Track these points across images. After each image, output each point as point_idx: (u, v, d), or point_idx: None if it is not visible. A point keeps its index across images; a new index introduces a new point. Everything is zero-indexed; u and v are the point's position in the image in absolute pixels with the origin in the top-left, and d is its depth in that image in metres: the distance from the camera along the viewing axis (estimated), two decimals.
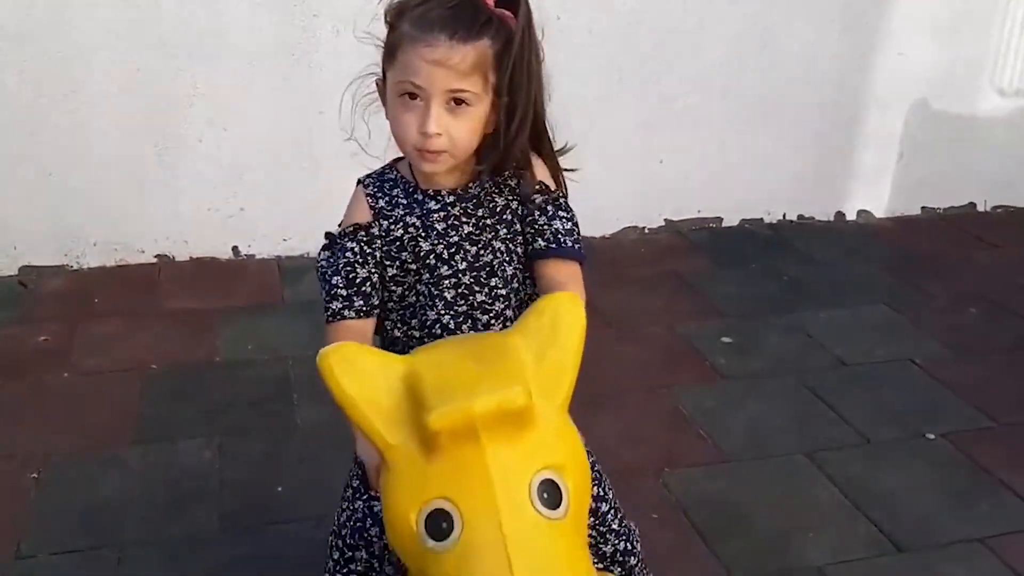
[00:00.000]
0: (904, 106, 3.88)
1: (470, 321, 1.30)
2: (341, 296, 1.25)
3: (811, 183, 3.90)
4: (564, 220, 1.31)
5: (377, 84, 1.28)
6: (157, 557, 1.98)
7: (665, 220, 3.80)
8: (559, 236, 1.29)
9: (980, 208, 4.13)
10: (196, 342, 2.85)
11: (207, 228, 3.36)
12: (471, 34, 1.16)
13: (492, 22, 1.18)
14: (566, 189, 1.36)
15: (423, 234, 1.28)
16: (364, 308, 1.26)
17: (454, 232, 1.28)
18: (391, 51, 1.20)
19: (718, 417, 2.53)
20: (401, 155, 1.30)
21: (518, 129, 1.22)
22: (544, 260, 1.30)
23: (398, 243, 1.28)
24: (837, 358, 2.86)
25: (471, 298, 1.29)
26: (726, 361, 2.82)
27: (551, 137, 1.32)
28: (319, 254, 1.31)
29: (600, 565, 1.41)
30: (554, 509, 0.95)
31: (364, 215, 1.29)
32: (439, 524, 0.93)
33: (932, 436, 2.47)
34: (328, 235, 1.31)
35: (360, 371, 0.99)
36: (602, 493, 1.43)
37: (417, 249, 1.28)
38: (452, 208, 1.28)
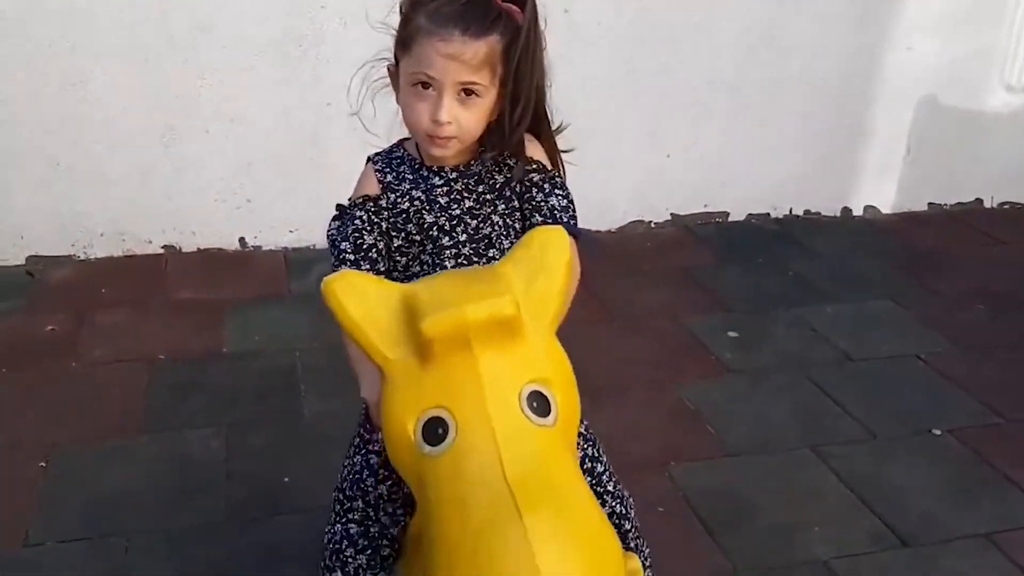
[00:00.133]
0: (912, 101, 3.87)
1: None
2: (349, 260, 1.32)
3: (818, 178, 3.89)
4: (560, 198, 1.37)
5: (389, 70, 1.35)
6: (164, 546, 1.99)
7: (671, 214, 3.80)
8: (555, 212, 1.36)
9: (987, 204, 4.12)
10: (203, 333, 2.85)
11: (214, 219, 3.37)
12: (483, 30, 1.23)
13: (501, 18, 1.24)
14: (563, 169, 1.44)
15: (427, 207, 1.35)
16: (370, 272, 1.31)
17: (456, 206, 1.36)
18: (406, 42, 1.26)
19: (724, 411, 2.53)
20: (406, 136, 1.39)
21: (521, 116, 1.30)
22: None
23: (404, 215, 1.35)
24: (843, 353, 2.86)
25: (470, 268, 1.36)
26: (732, 355, 2.82)
27: (550, 120, 1.39)
28: (329, 224, 1.37)
29: None
30: (543, 417, 0.99)
31: (373, 188, 1.37)
32: (435, 430, 0.98)
33: (938, 432, 2.47)
34: (339, 206, 1.39)
35: (361, 294, 1.04)
36: (597, 455, 1.49)
37: (421, 221, 1.35)
38: (455, 184, 1.36)
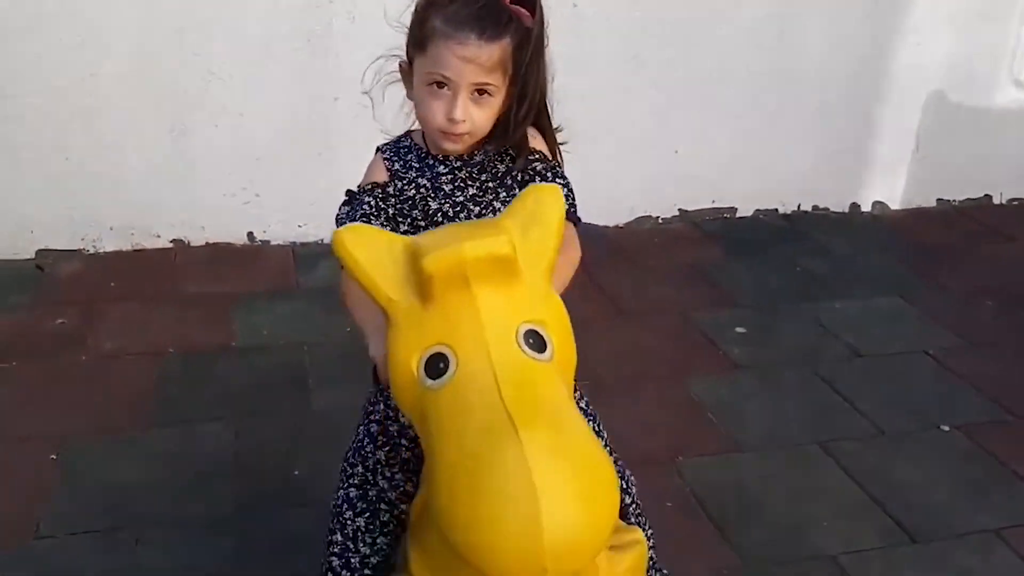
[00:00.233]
0: (921, 97, 3.86)
1: None
2: None
3: (826, 174, 3.88)
4: (561, 186, 1.39)
5: (401, 67, 1.39)
6: (174, 539, 2.00)
7: (679, 210, 3.79)
8: None
9: (996, 200, 4.11)
10: (212, 327, 2.86)
11: (223, 213, 3.38)
12: (497, 33, 1.29)
13: (512, 20, 1.31)
14: (562, 160, 1.49)
15: (432, 194, 1.40)
16: None
17: (460, 193, 1.41)
18: (421, 42, 1.31)
19: (732, 407, 2.53)
20: (413, 127, 1.44)
21: (526, 113, 1.37)
22: None
23: (410, 202, 1.40)
24: (852, 349, 2.86)
25: None
26: (740, 351, 2.82)
27: (550, 114, 1.45)
28: (339, 208, 1.42)
29: None
30: (540, 353, 1.04)
31: (381, 175, 1.42)
32: (436, 365, 1.03)
33: (947, 428, 2.47)
34: (348, 191, 1.43)
35: (368, 242, 1.09)
36: (597, 429, 1.51)
37: (426, 208, 1.39)
38: (459, 172, 1.42)
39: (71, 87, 3.10)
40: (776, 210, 3.89)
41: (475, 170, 1.42)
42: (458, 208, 1.39)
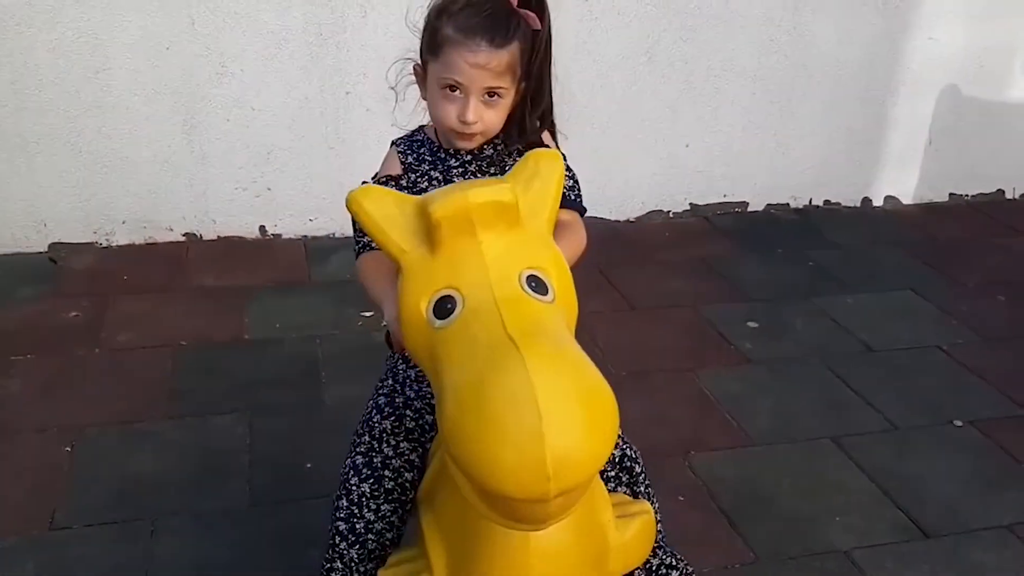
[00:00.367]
0: (934, 92, 3.85)
1: None
2: None
3: (838, 168, 3.88)
4: (567, 177, 1.47)
5: (415, 69, 1.46)
6: (189, 529, 2.01)
7: (690, 204, 3.79)
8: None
9: (1009, 195, 4.09)
10: (224, 320, 2.88)
11: (234, 207, 3.39)
12: (506, 39, 1.36)
13: (520, 25, 1.37)
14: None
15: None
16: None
17: None
18: (435, 49, 1.39)
19: (744, 401, 2.53)
20: (425, 122, 1.51)
21: (541, 116, 1.47)
22: None
23: (422, 194, 1.39)
24: (863, 344, 2.86)
25: None
26: (752, 345, 2.82)
27: (551, 107, 1.51)
28: None
29: (612, 471, 1.49)
30: (542, 295, 1.09)
31: (396, 168, 1.50)
32: (444, 306, 1.08)
33: (959, 423, 2.47)
34: (364, 183, 1.44)
35: (380, 199, 1.16)
36: None
37: None
38: (469, 165, 1.49)
39: (84, 81, 3.11)
40: (788, 204, 3.89)
41: (485, 163, 1.49)
42: None
